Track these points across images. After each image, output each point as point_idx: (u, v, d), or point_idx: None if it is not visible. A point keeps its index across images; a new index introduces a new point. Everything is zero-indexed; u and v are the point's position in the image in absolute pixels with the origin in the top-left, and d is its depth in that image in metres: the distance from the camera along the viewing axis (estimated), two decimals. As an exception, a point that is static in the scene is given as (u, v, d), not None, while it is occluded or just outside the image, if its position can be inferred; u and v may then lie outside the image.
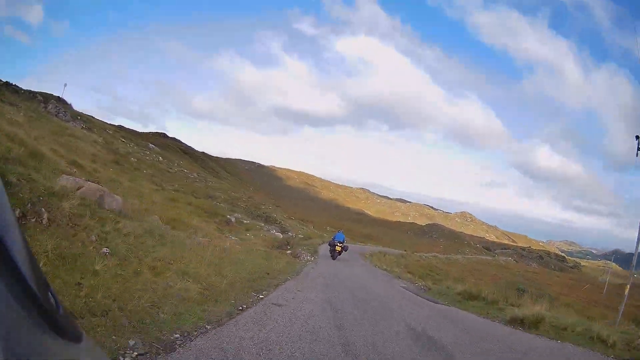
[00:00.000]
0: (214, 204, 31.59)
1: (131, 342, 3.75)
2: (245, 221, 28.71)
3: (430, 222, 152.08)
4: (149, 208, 15.37)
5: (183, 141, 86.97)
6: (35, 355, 0.67)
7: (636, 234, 14.21)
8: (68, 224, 6.07)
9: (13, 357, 0.60)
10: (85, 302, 4.12)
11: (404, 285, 14.74)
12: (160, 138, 78.50)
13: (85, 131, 40.89)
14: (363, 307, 7.78)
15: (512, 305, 12.97)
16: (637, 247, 14.21)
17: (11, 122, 14.61)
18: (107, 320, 3.97)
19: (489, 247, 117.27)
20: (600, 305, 34.45)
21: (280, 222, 36.99)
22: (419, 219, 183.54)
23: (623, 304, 14.48)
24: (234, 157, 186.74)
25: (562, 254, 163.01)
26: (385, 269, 20.17)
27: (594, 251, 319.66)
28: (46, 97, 44.05)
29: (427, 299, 12.12)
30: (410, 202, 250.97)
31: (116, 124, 63.66)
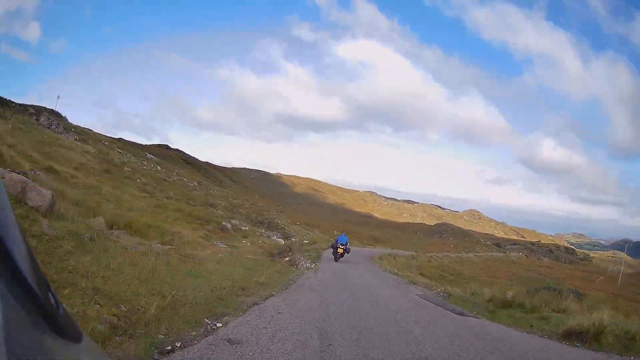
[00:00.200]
0: (211, 211, 29.35)
1: None
2: (243, 228, 26.37)
3: (438, 222, 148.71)
4: (121, 213, 13.19)
5: (186, 152, 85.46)
6: (35, 355, 0.65)
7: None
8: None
9: (13, 357, 0.59)
10: None
11: (419, 292, 12.24)
12: (162, 149, 76.94)
13: (78, 142, 39.24)
14: (370, 339, 5.28)
15: (556, 312, 10.42)
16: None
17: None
18: None
19: (499, 243, 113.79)
20: (625, 299, 31.72)
21: (283, 228, 34.62)
22: (427, 219, 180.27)
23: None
24: (239, 167, 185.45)
25: (572, 247, 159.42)
26: (397, 274, 17.64)
27: (603, 242, 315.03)
28: (38, 110, 42.63)
29: (452, 311, 9.61)
30: (417, 202, 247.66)
31: (116, 137, 61.94)
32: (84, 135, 43.96)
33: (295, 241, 29.80)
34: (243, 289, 7.46)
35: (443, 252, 59.46)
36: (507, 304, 10.47)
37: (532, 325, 9.18)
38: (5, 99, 39.84)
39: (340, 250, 18.24)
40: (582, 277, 49.98)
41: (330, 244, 25.85)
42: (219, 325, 4.91)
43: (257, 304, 6.51)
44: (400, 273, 18.02)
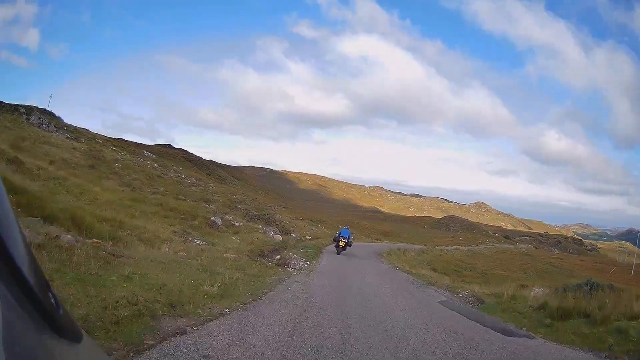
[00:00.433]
0: (204, 206, 26.65)
1: None
2: (236, 223, 23.62)
3: (446, 215, 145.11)
4: (76, 205, 10.65)
5: (190, 152, 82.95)
6: (35, 355, 0.66)
7: None
8: None
9: (13, 357, 0.59)
10: None
11: (442, 297, 9.32)
12: (164, 148, 74.77)
13: (69, 140, 37.01)
14: None
15: (628, 318, 7.45)
16: None
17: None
18: None
19: (508, 235, 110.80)
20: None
21: (282, 224, 31.81)
22: (434, 212, 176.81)
23: None
24: (245, 165, 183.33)
25: (579, 238, 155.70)
26: (410, 272, 14.67)
27: (609, 232, 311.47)
28: (29, 109, 40.50)
29: (493, 327, 6.68)
30: (424, 196, 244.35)
31: (116, 138, 59.60)
32: (77, 133, 41.71)
33: (296, 237, 26.99)
34: (172, 306, 4.63)
35: (453, 245, 57.36)
36: (566, 313, 7.50)
37: (611, 346, 6.26)
38: (-5, 99, 37.73)
39: (342, 243, 18.08)
40: (595, 268, 47.63)
41: (333, 237, 23.65)
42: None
43: (168, 338, 3.65)
44: (413, 271, 15.05)
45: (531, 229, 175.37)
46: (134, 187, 25.02)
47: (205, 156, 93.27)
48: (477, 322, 7.08)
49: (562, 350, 5.86)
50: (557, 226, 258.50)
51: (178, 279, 6.06)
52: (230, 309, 5.24)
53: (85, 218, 9.98)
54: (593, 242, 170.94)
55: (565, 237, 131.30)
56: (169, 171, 44.00)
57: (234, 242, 16.07)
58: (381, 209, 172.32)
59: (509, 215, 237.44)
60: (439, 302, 8.54)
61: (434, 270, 31.33)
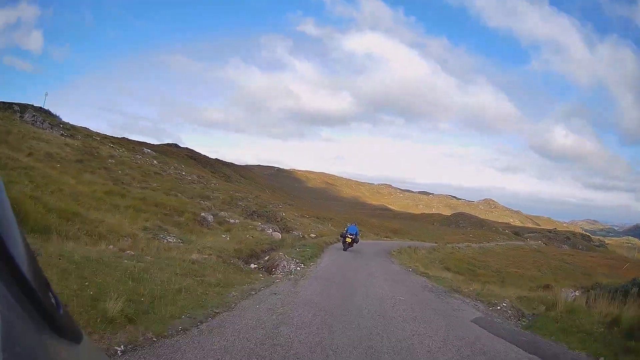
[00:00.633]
0: (198, 202, 24.53)
1: None
2: (232, 220, 21.37)
3: (455, 212, 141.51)
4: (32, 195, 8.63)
5: (197, 150, 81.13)
6: (35, 355, 0.64)
7: None
8: None
9: (13, 357, 0.58)
10: None
11: (476, 312, 6.86)
12: (169, 147, 73.27)
13: (63, 137, 35.31)
14: None
15: None
16: None
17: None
18: None
19: (518, 232, 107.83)
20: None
21: (284, 221, 29.54)
22: (443, 209, 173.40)
23: None
24: (252, 164, 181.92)
25: (587, 234, 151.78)
26: (426, 274, 12.16)
27: (616, 227, 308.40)
28: (23, 107, 38.99)
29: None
30: (432, 194, 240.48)
31: (119, 137, 58.02)
32: (74, 131, 40.03)
33: (298, 235, 24.69)
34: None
35: (464, 242, 55.14)
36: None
37: None
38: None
39: (348, 240, 17.79)
40: (607, 265, 45.81)
41: (339, 239, 21.63)
42: None
43: None
44: (430, 273, 12.53)
45: (539, 226, 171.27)
46: (122, 182, 23.02)
47: (213, 155, 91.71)
48: (535, 353, 4.67)
49: None
50: (565, 222, 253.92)
51: (77, 287, 3.81)
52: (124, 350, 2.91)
53: (29, 208, 7.93)
54: (601, 238, 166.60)
55: (574, 233, 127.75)
56: (169, 168, 42.09)
57: (220, 241, 13.79)
58: (390, 206, 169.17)
59: (517, 212, 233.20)
60: (473, 320, 6.08)
61: (447, 269, 29.27)
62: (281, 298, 5.83)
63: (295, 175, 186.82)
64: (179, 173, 41.87)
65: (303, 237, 24.22)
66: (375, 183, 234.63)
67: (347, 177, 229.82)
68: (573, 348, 5.28)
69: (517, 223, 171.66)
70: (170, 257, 7.30)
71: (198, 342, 3.53)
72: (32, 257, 0.69)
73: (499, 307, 7.67)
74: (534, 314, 7.54)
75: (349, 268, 11.09)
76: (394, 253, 20.88)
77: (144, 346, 3.17)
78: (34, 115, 37.77)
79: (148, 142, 69.29)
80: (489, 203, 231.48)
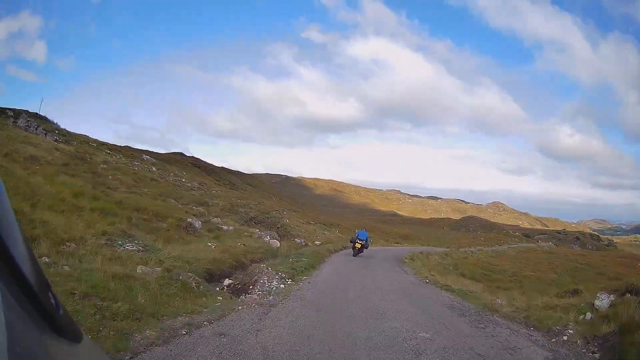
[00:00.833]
0: (192, 207, 22.39)
1: None
2: (225, 227, 19.10)
3: (464, 216, 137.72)
4: None
5: (203, 159, 79.32)
6: (35, 355, 0.64)
7: None
8: None
9: (13, 357, 0.58)
10: None
11: (543, 355, 4.41)
12: (174, 156, 71.79)
13: (56, 142, 33.70)
14: None
15: None
16: None
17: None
18: None
19: (528, 234, 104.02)
20: None
21: (286, 228, 27.25)
22: (451, 214, 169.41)
23: None
24: (261, 172, 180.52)
25: (596, 233, 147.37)
26: (447, 287, 9.60)
27: (624, 226, 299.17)
28: (17, 113, 37.68)
29: None
30: (441, 198, 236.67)
31: (123, 145, 56.55)
32: (69, 137, 38.47)
33: (300, 242, 22.35)
34: None
35: (475, 246, 53.57)
36: None
37: None
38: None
39: (358, 245, 17.44)
40: (621, 264, 42.86)
41: (344, 246, 21.32)
42: None
43: None
44: (453, 285, 9.95)
45: (548, 227, 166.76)
46: (108, 187, 21.02)
47: (221, 165, 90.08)
48: None
49: None
50: (573, 223, 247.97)
51: None
52: None
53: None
54: (609, 237, 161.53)
55: (583, 233, 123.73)
56: (168, 175, 40.20)
57: (198, 250, 11.46)
58: (399, 212, 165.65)
59: (525, 214, 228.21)
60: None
61: (463, 275, 27.17)
62: (225, 347, 3.44)
63: (303, 182, 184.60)
64: (179, 180, 39.95)
65: (306, 244, 21.92)
66: (384, 189, 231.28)
67: (356, 183, 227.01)
68: None
69: (526, 225, 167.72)
70: (91, 269, 5.03)
71: None
72: (32, 257, 0.67)
73: (564, 337, 5.17)
74: (601, 338, 5.06)
75: (352, 283, 8.67)
76: (406, 260, 18.44)
77: None
78: (28, 121, 36.41)
79: (154, 151, 67.92)
80: (497, 206, 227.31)
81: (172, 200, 23.26)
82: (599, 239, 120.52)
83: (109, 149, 40.91)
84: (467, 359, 4.10)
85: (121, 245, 8.94)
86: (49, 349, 0.66)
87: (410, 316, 5.92)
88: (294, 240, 22.79)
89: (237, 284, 7.58)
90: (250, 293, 6.60)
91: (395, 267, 14.40)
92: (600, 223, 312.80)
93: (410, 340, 4.58)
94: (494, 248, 54.13)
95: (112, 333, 3.23)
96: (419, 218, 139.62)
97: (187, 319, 4.18)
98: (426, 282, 10.52)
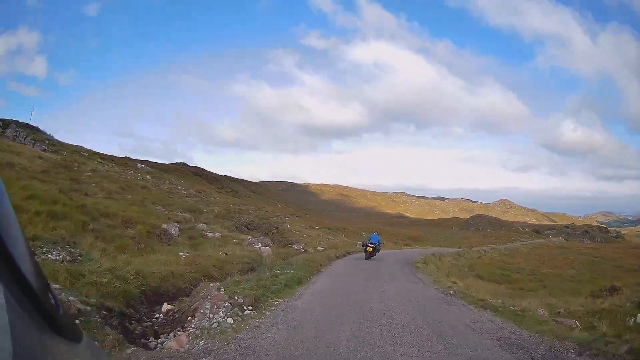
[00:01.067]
0: (176, 214, 19.95)
1: None
2: (210, 234, 16.66)
3: (472, 215, 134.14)
4: None
5: (207, 169, 77.34)
6: (35, 355, 0.64)
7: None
8: None
9: (13, 357, 0.58)
10: None
11: None
12: (175, 165, 69.98)
13: (44, 152, 31.82)
14: None
15: None
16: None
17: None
18: None
19: (538, 230, 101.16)
20: None
21: (285, 233, 24.73)
22: (459, 213, 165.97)
23: None
24: (266, 180, 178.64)
25: (604, 226, 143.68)
26: (482, 302, 6.91)
27: (630, 217, 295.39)
28: (7, 123, 36.27)
29: None
30: (448, 198, 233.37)
31: (121, 157, 54.69)
32: (59, 147, 36.65)
33: (298, 249, 19.79)
34: None
35: (487, 244, 51.42)
36: None
37: None
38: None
39: (369, 249, 17.15)
40: (635, 255, 42.09)
41: (348, 251, 20.81)
42: None
43: None
44: (491, 300, 7.22)
45: (555, 222, 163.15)
46: (85, 193, 18.73)
47: (226, 174, 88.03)
48: None
49: None
50: (580, 217, 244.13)
51: None
52: None
53: None
54: (616, 228, 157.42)
55: (591, 227, 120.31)
56: (163, 183, 37.95)
57: (164, 261, 8.98)
58: (406, 214, 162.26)
59: (532, 210, 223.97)
60: None
61: (480, 277, 24.41)
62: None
63: (309, 189, 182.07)
64: (174, 187, 37.64)
65: (305, 250, 19.39)
66: (390, 192, 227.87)
67: (362, 187, 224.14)
68: None
69: (534, 221, 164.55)
70: None
71: None
72: (32, 257, 0.67)
73: None
74: None
75: (349, 307, 5.98)
76: (419, 265, 15.78)
77: None
78: (16, 131, 35.05)
79: (157, 162, 65.99)
80: (504, 203, 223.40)
81: (158, 207, 20.88)
82: (606, 231, 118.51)
83: (101, 158, 38.91)
84: None
85: (45, 253, 6.65)
86: (49, 349, 0.65)
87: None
88: (291, 246, 20.25)
89: (177, 311, 5.08)
90: (184, 329, 4.13)
91: (409, 275, 11.74)
92: (607, 215, 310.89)
93: None
94: (506, 246, 52.39)
95: None
96: (427, 219, 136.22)
97: None
98: (450, 294, 7.89)
